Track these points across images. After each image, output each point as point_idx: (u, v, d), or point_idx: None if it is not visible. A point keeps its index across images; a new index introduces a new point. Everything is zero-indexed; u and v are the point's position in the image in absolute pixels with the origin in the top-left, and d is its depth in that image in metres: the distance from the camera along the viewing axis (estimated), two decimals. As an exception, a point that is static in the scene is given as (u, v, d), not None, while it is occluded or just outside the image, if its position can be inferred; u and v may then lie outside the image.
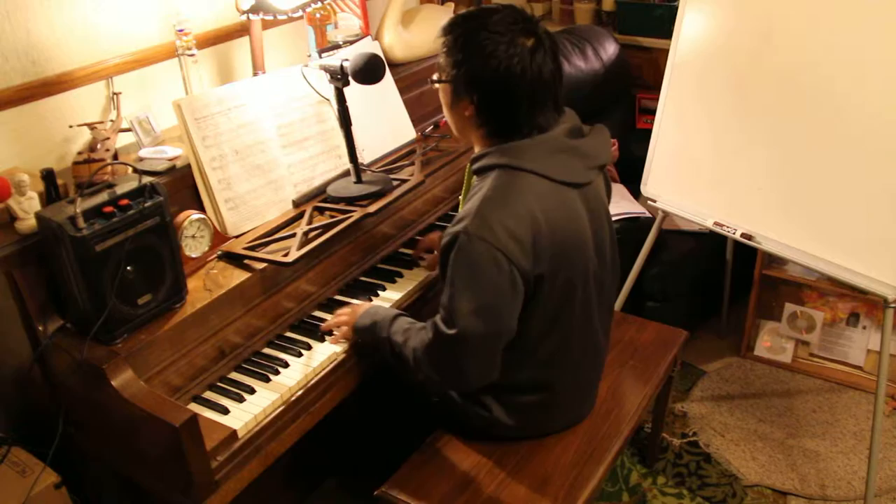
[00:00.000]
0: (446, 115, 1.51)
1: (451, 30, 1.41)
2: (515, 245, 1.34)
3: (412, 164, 2.06)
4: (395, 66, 2.25)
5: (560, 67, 1.42)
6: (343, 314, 1.64)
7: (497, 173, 1.40)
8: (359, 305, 1.65)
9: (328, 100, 1.94)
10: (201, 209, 1.69)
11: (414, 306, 1.78)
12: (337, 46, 2.03)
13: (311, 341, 1.63)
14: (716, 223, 2.12)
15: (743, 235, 2.06)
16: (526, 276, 1.37)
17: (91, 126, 1.71)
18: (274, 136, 1.83)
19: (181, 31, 1.83)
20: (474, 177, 1.48)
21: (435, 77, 1.47)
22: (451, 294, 1.38)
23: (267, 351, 1.62)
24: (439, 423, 1.67)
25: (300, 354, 1.60)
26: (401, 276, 1.85)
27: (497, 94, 1.38)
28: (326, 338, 1.64)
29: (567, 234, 1.42)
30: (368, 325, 1.57)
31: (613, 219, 2.36)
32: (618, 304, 2.38)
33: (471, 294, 1.36)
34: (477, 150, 1.47)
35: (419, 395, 1.71)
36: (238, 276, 1.59)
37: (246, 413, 1.44)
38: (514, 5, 1.42)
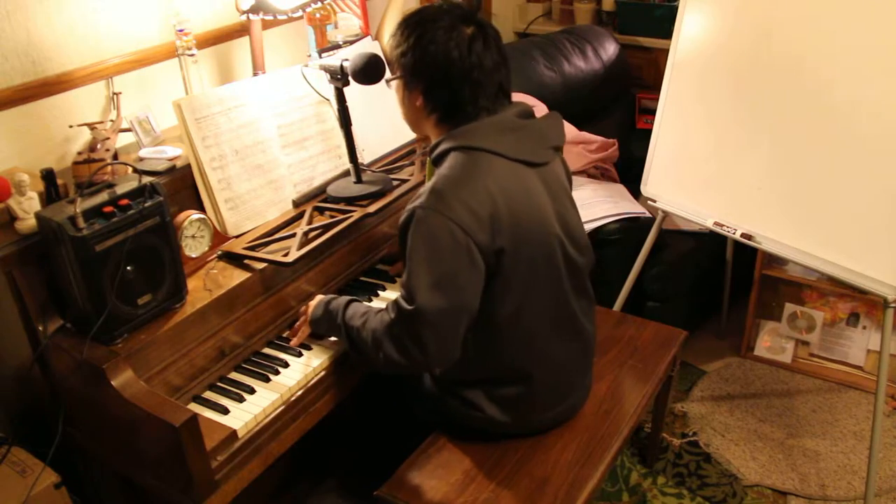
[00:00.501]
0: (402, 112, 1.56)
1: (398, 27, 1.49)
2: (472, 218, 1.37)
3: (412, 164, 2.07)
4: (395, 66, 2.25)
5: (504, 57, 1.48)
6: (301, 313, 1.66)
7: (453, 155, 1.44)
8: (313, 298, 1.65)
9: (328, 100, 1.94)
10: (201, 209, 1.69)
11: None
12: (337, 46, 2.03)
13: (311, 341, 1.63)
14: (716, 223, 2.12)
15: (743, 235, 2.06)
16: (484, 249, 1.39)
17: (91, 126, 1.71)
18: (274, 136, 1.83)
19: (181, 31, 1.83)
20: (435, 169, 1.50)
21: (388, 76, 1.54)
22: (410, 270, 1.39)
23: (267, 351, 1.62)
24: (438, 424, 1.67)
25: (300, 354, 1.60)
26: (401, 275, 1.85)
27: (439, 79, 1.44)
28: (304, 351, 1.62)
29: (526, 209, 1.44)
30: (322, 314, 1.59)
31: (613, 219, 2.39)
32: (618, 304, 2.38)
33: (428, 267, 1.37)
34: (433, 139, 1.51)
35: (416, 397, 1.71)
36: (238, 276, 1.59)
37: (246, 413, 1.44)
38: (456, 1, 1.49)
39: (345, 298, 1.59)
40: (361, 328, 1.49)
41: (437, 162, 1.49)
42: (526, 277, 1.46)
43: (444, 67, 1.42)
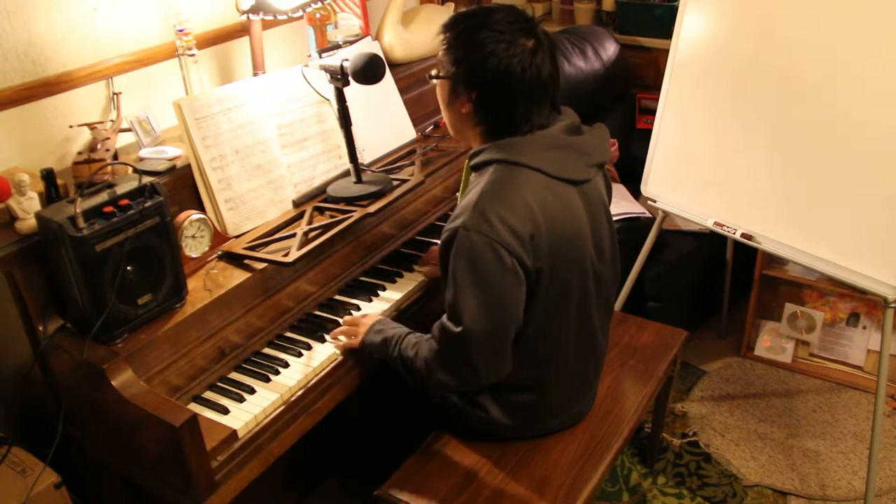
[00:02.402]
0: (443, 112, 1.52)
1: (451, 27, 1.42)
2: (514, 239, 1.35)
3: (412, 164, 2.07)
4: (395, 66, 2.25)
5: (558, 69, 1.43)
6: (352, 325, 1.63)
7: (494, 168, 1.40)
8: (368, 317, 1.63)
9: (328, 100, 1.94)
10: (201, 209, 1.69)
11: (414, 306, 1.78)
12: (337, 46, 2.03)
13: (311, 341, 1.63)
14: (716, 223, 2.12)
15: (743, 235, 2.06)
16: (527, 269, 1.38)
17: (91, 126, 1.71)
18: (274, 136, 1.83)
19: (181, 31, 1.83)
20: (472, 174, 1.48)
21: (434, 73, 1.47)
22: (455, 291, 1.38)
23: (267, 351, 1.62)
24: (439, 424, 1.67)
25: (300, 354, 1.60)
26: (401, 276, 1.85)
27: (495, 93, 1.38)
28: (329, 341, 1.62)
29: (565, 229, 1.42)
30: (378, 342, 1.56)
31: (614, 219, 2.39)
32: (618, 304, 2.38)
33: (475, 289, 1.36)
34: (474, 147, 1.48)
35: (418, 395, 1.71)
36: (238, 276, 1.59)
37: (246, 413, 1.44)
38: (514, 6, 1.43)
39: (401, 330, 1.56)
40: (414, 358, 1.48)
41: (476, 169, 1.46)
42: (557, 297, 1.46)
43: (504, 83, 1.36)
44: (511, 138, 1.41)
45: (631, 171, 2.63)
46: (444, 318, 1.41)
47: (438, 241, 1.50)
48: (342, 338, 1.62)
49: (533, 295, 1.42)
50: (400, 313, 1.75)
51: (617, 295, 2.36)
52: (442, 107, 1.51)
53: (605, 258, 1.54)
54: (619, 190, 2.62)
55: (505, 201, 1.36)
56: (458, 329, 1.37)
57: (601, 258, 1.53)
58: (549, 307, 1.46)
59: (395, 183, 1.92)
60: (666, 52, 2.21)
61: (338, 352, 1.60)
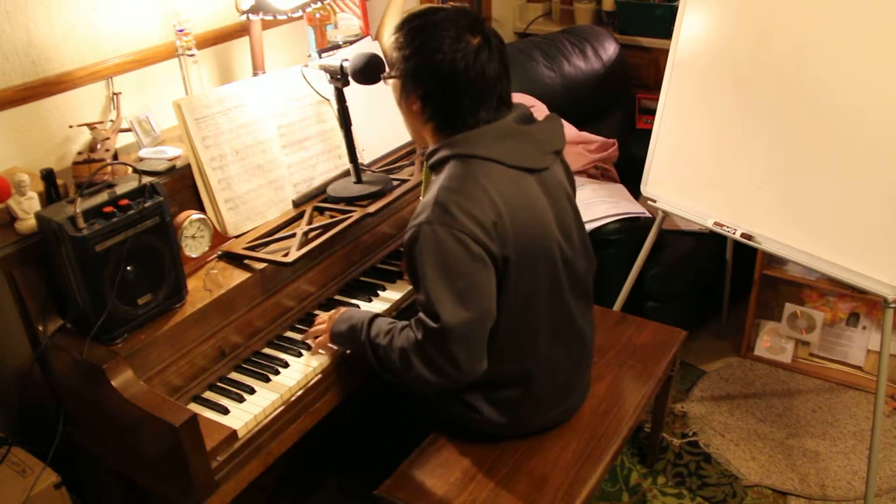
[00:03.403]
0: (401, 113, 1.54)
1: (401, 26, 1.46)
2: (478, 227, 1.36)
3: (412, 164, 2.07)
4: (395, 66, 2.25)
5: (507, 68, 1.46)
6: (319, 323, 1.63)
7: (451, 164, 1.43)
8: (335, 311, 1.62)
9: (328, 100, 1.94)
10: (201, 209, 1.69)
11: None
12: (337, 46, 2.03)
13: (311, 341, 1.63)
14: (716, 223, 2.12)
15: (743, 235, 2.06)
16: (494, 257, 1.39)
17: (91, 126, 1.71)
18: (274, 136, 1.83)
19: (181, 31, 1.83)
20: (432, 174, 1.49)
21: (386, 72, 1.51)
22: (427, 288, 1.38)
23: (267, 351, 1.62)
24: (437, 426, 1.66)
25: (300, 354, 1.60)
26: (401, 276, 1.85)
27: (440, 88, 1.42)
28: (304, 351, 1.61)
29: (527, 217, 1.43)
30: (345, 330, 1.55)
31: (613, 219, 2.39)
32: (618, 305, 2.38)
33: (446, 281, 1.36)
34: (430, 146, 1.49)
35: (418, 396, 1.70)
36: (238, 276, 1.59)
37: (246, 413, 1.44)
38: (464, 5, 1.45)
39: (367, 314, 1.55)
40: (389, 347, 1.46)
41: (434, 168, 1.47)
42: (528, 283, 1.46)
43: (448, 78, 1.39)
44: (464, 133, 1.43)
45: (631, 171, 2.63)
46: (421, 314, 1.41)
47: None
48: (311, 341, 1.62)
49: (503, 283, 1.43)
50: (400, 313, 1.76)
51: (617, 295, 2.37)
52: (397, 106, 1.53)
53: (574, 244, 1.55)
54: (619, 190, 2.62)
55: (464, 193, 1.38)
56: (437, 325, 1.36)
57: (570, 244, 1.53)
58: (520, 295, 1.46)
59: (395, 183, 1.93)
60: (666, 52, 2.21)
61: (338, 349, 1.60)
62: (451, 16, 1.42)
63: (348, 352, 1.61)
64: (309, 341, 1.63)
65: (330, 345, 1.60)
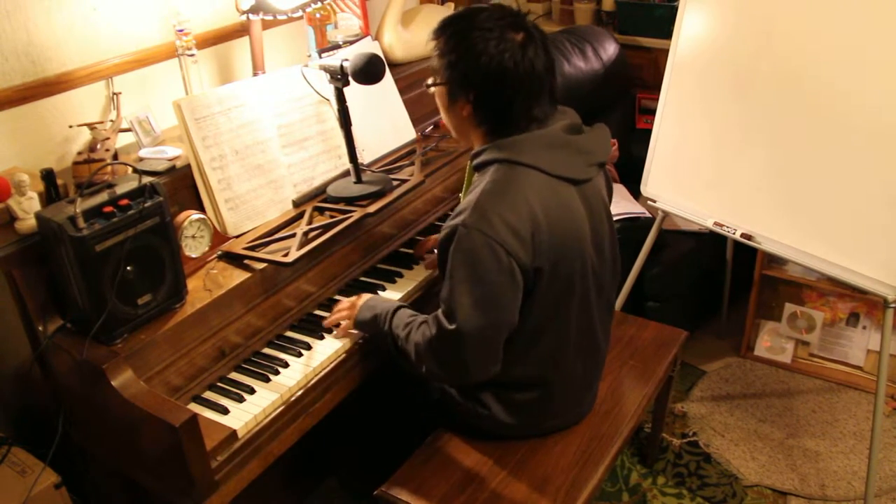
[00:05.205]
0: (444, 118, 1.52)
1: (440, 32, 1.43)
2: (514, 238, 1.35)
3: (412, 164, 2.07)
4: (395, 66, 2.26)
5: (553, 60, 1.44)
6: (343, 309, 1.64)
7: (496, 168, 1.41)
8: (358, 297, 1.65)
9: (328, 100, 1.94)
10: (201, 209, 1.69)
11: (414, 306, 1.78)
12: (337, 46, 2.03)
13: (311, 341, 1.63)
14: (716, 223, 2.12)
15: (743, 235, 2.06)
16: (525, 269, 1.38)
17: (91, 126, 1.71)
18: (274, 136, 1.83)
19: (181, 31, 1.83)
20: (475, 174, 1.48)
21: (430, 81, 1.48)
22: (451, 287, 1.39)
23: (267, 351, 1.62)
24: (439, 422, 1.67)
25: (300, 354, 1.60)
26: (401, 275, 1.85)
27: (492, 91, 1.39)
28: (327, 335, 1.63)
29: (565, 229, 1.42)
30: (369, 318, 1.57)
31: (614, 219, 2.39)
32: (618, 304, 2.38)
33: (470, 287, 1.36)
34: (476, 147, 1.48)
35: (420, 393, 1.71)
36: (238, 276, 1.59)
37: (246, 413, 1.44)
38: (501, 3, 1.44)
39: (392, 304, 1.57)
40: (406, 339, 1.49)
41: (478, 169, 1.46)
42: (557, 295, 1.46)
43: (499, 79, 1.37)
44: (512, 137, 1.41)
45: (631, 171, 2.63)
46: (440, 312, 1.42)
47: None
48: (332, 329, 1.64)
49: (533, 293, 1.43)
50: (400, 313, 1.75)
51: (617, 295, 2.37)
52: (442, 112, 1.51)
53: (605, 257, 1.55)
54: (619, 190, 2.62)
55: (506, 200, 1.36)
56: (452, 326, 1.38)
57: (600, 257, 1.53)
58: (549, 305, 1.46)
59: (395, 183, 1.92)
60: (666, 52, 2.21)
61: (338, 349, 1.60)
62: (492, 15, 1.39)
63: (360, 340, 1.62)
64: (332, 326, 1.64)
65: (352, 331, 1.62)
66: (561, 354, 1.53)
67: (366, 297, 1.64)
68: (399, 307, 1.56)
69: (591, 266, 1.50)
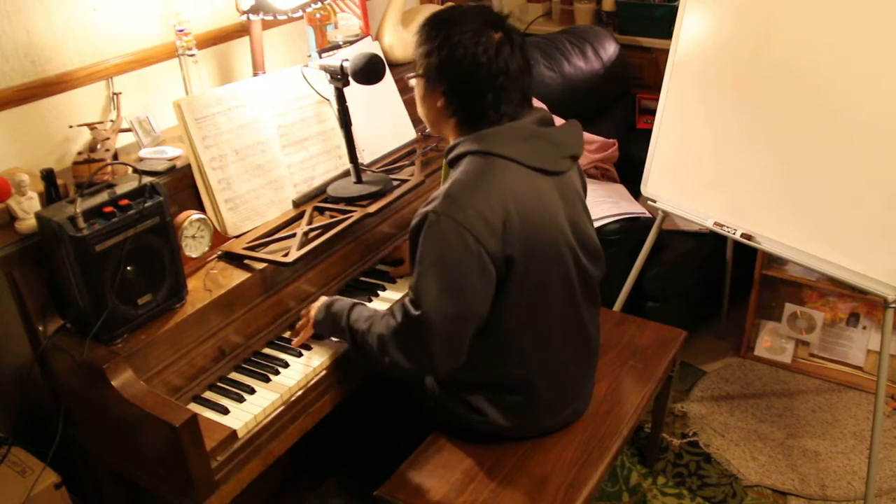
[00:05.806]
0: (420, 109, 1.55)
1: (423, 27, 1.47)
2: (483, 226, 1.36)
3: (412, 164, 2.07)
4: (395, 66, 2.25)
5: (529, 63, 1.47)
6: (303, 315, 1.65)
7: (469, 159, 1.43)
8: (317, 301, 1.64)
9: (328, 100, 1.94)
10: (201, 209, 1.69)
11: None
12: (337, 46, 2.03)
13: (311, 341, 1.63)
14: (716, 223, 2.12)
15: (743, 235, 2.06)
16: (495, 258, 1.38)
17: (91, 126, 1.71)
18: (274, 136, 1.83)
19: (181, 31, 1.83)
20: (450, 170, 1.50)
21: (410, 73, 1.52)
22: (419, 274, 1.39)
23: (267, 351, 1.62)
24: (438, 426, 1.67)
25: (300, 354, 1.60)
26: (401, 277, 1.85)
27: (463, 83, 1.42)
28: (304, 351, 1.61)
29: (539, 218, 1.43)
30: (325, 317, 1.58)
31: (613, 219, 2.39)
32: (618, 305, 2.38)
33: (438, 273, 1.37)
34: (451, 141, 1.50)
35: (419, 396, 1.71)
36: (238, 276, 1.59)
37: (246, 413, 1.44)
38: (484, 4, 1.47)
39: (348, 301, 1.58)
40: (367, 332, 1.48)
41: (452, 164, 1.48)
42: (536, 286, 1.46)
43: (471, 72, 1.40)
44: (485, 130, 1.44)
45: (631, 171, 2.63)
46: (407, 299, 1.42)
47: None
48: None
49: (508, 284, 1.43)
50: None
51: (617, 295, 2.38)
52: (419, 104, 1.54)
53: (589, 249, 1.55)
54: (619, 190, 2.62)
55: (478, 189, 1.38)
56: (417, 312, 1.38)
57: (586, 251, 1.53)
58: (527, 295, 1.46)
59: (395, 183, 1.93)
60: (666, 52, 2.21)
61: (338, 349, 1.60)
62: (473, 12, 1.44)
63: (334, 339, 1.61)
64: (293, 336, 1.64)
65: (312, 333, 1.62)
66: (544, 350, 1.53)
67: (322, 299, 1.64)
68: (355, 304, 1.56)
69: (571, 257, 1.50)
